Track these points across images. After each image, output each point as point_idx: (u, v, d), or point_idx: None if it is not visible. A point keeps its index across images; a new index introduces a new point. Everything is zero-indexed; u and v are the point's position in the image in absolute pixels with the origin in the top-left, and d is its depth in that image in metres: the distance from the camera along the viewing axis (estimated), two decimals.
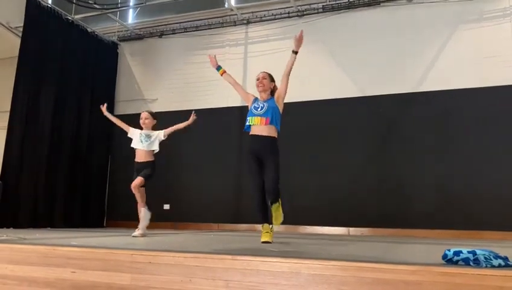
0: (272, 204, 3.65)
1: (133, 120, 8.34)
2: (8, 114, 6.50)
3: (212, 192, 7.35)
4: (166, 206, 7.62)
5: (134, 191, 4.63)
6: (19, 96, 6.55)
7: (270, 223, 3.69)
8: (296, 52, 3.96)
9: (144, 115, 5.01)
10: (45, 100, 6.92)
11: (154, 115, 5.10)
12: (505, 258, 1.90)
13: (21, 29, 6.94)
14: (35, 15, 6.80)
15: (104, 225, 7.92)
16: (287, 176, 6.96)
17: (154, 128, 5.04)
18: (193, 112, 5.08)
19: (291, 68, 4.00)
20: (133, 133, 4.97)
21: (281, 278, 1.95)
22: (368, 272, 1.83)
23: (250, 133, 3.86)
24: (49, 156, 6.85)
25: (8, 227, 5.82)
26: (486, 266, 1.82)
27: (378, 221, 6.37)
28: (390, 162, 6.53)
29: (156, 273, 2.22)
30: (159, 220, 7.57)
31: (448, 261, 2.01)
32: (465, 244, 3.78)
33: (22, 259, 2.56)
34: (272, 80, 4.06)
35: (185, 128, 5.06)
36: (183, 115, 7.87)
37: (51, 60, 7.05)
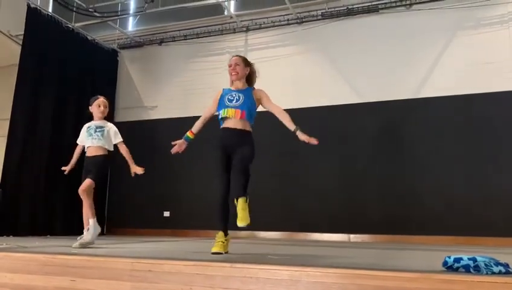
0: (237, 198, 3.14)
1: (133, 127, 8.38)
2: (8, 122, 6.50)
3: (212, 199, 7.31)
4: (166, 214, 7.61)
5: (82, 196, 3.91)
6: (19, 104, 6.56)
7: (227, 233, 3.33)
8: (294, 131, 3.29)
9: (103, 102, 4.20)
10: (45, 108, 6.93)
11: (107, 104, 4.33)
12: (506, 265, 1.89)
13: (21, 37, 6.96)
14: (35, 23, 6.83)
15: (104, 232, 7.90)
16: (286, 182, 7.00)
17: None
18: (134, 173, 4.10)
19: (281, 117, 3.38)
20: (81, 134, 4.22)
21: (280, 286, 1.95)
22: (368, 280, 1.83)
23: (222, 126, 3.40)
24: (49, 164, 6.83)
25: (7, 235, 5.81)
26: (486, 273, 1.82)
27: (378, 227, 6.36)
28: (391, 168, 6.52)
29: (155, 281, 2.22)
30: (158, 227, 7.59)
31: (449, 268, 2.01)
32: (465, 250, 3.77)
33: (21, 267, 2.55)
34: (247, 64, 3.51)
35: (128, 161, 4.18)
36: (183, 121, 7.93)
37: (51, 67, 7.07)
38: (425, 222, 6.12)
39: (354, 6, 7.17)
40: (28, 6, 6.75)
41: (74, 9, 7.68)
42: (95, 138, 4.05)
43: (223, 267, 2.11)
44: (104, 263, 2.38)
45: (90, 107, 4.24)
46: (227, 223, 3.35)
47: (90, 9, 7.74)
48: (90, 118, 4.35)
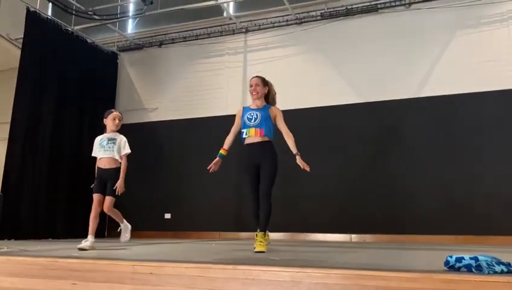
0: (258, 230, 3.58)
1: (134, 129, 8.37)
2: (8, 125, 6.51)
3: (213, 201, 7.34)
4: (167, 216, 7.61)
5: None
6: (20, 108, 6.57)
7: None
8: (295, 154, 3.80)
9: (118, 116, 4.33)
10: (45, 111, 6.93)
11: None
12: (508, 265, 1.88)
13: (21, 40, 6.97)
14: (34, 26, 6.84)
15: (106, 235, 7.90)
16: (288, 183, 7.00)
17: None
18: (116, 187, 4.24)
19: (287, 138, 3.86)
20: (95, 147, 4.38)
21: (282, 287, 1.94)
22: (370, 280, 1.82)
23: (245, 143, 3.78)
24: (50, 167, 6.85)
25: (9, 239, 5.80)
26: (488, 273, 1.81)
27: (380, 227, 6.36)
28: (392, 167, 6.52)
29: (157, 283, 2.21)
30: (160, 229, 7.58)
31: (450, 267, 2.00)
32: (467, 249, 3.77)
33: (22, 271, 2.55)
34: (265, 84, 3.89)
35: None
36: (183, 123, 7.96)
37: (51, 71, 7.08)
38: (427, 221, 6.12)
39: (353, 6, 7.17)
40: (27, 9, 6.76)
41: (73, 12, 7.70)
42: (107, 149, 4.20)
43: (224, 269, 2.10)
44: (106, 266, 2.38)
45: (104, 120, 4.35)
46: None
47: (89, 12, 7.75)
48: (101, 128, 4.55)
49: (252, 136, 3.71)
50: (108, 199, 4.17)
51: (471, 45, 6.47)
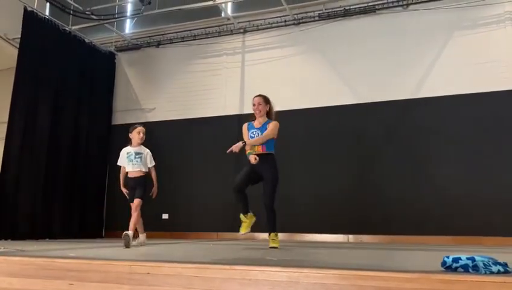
0: (270, 233, 4.13)
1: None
2: (6, 125, 6.50)
3: (210, 201, 7.33)
4: (165, 216, 7.60)
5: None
6: (17, 107, 6.56)
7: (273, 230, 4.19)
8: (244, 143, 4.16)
9: (142, 130, 4.84)
10: (43, 111, 6.92)
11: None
12: (504, 265, 1.89)
13: (18, 40, 6.95)
14: (32, 26, 6.82)
15: (103, 235, 7.89)
16: (286, 183, 6.98)
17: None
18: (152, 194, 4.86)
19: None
20: (122, 158, 4.82)
21: (279, 287, 1.94)
22: (367, 280, 1.82)
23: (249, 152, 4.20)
24: (47, 167, 6.83)
25: (6, 239, 5.79)
26: (485, 273, 1.81)
27: (377, 228, 6.37)
28: (390, 168, 6.53)
29: (154, 284, 2.21)
30: (157, 229, 7.56)
31: (447, 268, 2.00)
32: (464, 250, 3.77)
33: (19, 271, 2.54)
34: (267, 102, 4.28)
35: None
36: (181, 123, 7.95)
37: (49, 70, 7.06)
38: (424, 222, 6.13)
39: (351, 7, 7.18)
40: (25, 9, 6.75)
41: (71, 12, 7.68)
42: (135, 163, 4.74)
43: (222, 270, 2.10)
44: (103, 266, 2.37)
45: (130, 134, 4.85)
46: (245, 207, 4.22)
47: (87, 12, 7.74)
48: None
49: (256, 151, 4.15)
50: (137, 201, 4.65)
51: (468, 46, 6.49)
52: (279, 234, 4.32)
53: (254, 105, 4.29)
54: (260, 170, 4.11)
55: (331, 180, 6.76)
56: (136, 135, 4.79)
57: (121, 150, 4.85)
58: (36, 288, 2.45)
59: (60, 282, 2.41)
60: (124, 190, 4.84)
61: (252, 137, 4.21)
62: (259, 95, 4.33)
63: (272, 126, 4.21)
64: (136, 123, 5.15)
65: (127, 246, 4.19)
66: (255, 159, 4.07)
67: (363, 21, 7.17)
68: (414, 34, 6.81)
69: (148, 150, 4.87)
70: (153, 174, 4.86)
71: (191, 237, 7.15)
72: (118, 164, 4.86)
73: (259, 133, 4.18)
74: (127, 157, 4.76)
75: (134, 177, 4.75)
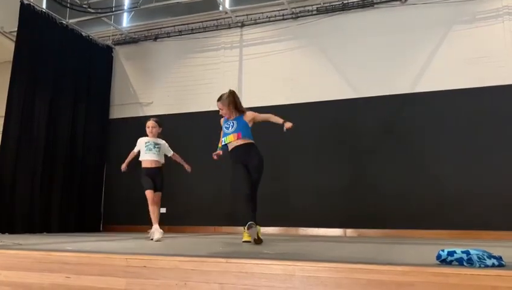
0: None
1: (128, 123, 8.36)
2: (2, 119, 6.47)
3: (208, 195, 7.34)
4: (163, 210, 7.57)
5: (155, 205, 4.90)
6: (14, 101, 6.52)
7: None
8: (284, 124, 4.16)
9: (151, 123, 5.08)
10: (40, 105, 6.89)
11: (160, 123, 5.19)
12: (499, 258, 1.90)
13: (15, 33, 6.91)
14: (29, 19, 6.78)
15: (101, 229, 7.90)
16: (283, 177, 7.01)
17: (159, 135, 5.19)
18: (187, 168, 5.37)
19: (269, 119, 4.34)
20: (139, 145, 5.09)
21: (275, 280, 1.95)
22: (362, 274, 1.84)
23: (229, 149, 4.24)
24: (45, 161, 6.82)
25: (3, 233, 5.80)
26: (480, 266, 1.83)
27: (375, 222, 6.38)
28: (388, 162, 6.53)
29: (151, 277, 2.22)
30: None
31: (442, 261, 2.02)
32: (460, 244, 3.79)
33: (16, 265, 2.55)
34: (229, 102, 4.29)
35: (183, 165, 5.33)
36: (178, 118, 7.94)
37: (46, 64, 7.03)
38: (421, 216, 6.15)
39: (349, 1, 7.16)
40: (21, 2, 6.70)
41: (68, 5, 7.63)
42: (154, 152, 4.97)
43: (218, 263, 2.11)
44: (99, 260, 2.38)
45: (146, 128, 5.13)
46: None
47: (84, 5, 7.70)
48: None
49: (232, 141, 4.17)
50: (158, 195, 4.95)
51: (466, 41, 6.48)
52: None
53: (220, 110, 4.40)
54: (245, 161, 4.13)
55: (329, 175, 6.76)
56: (147, 130, 5.07)
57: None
58: (33, 281, 2.46)
59: (56, 275, 2.42)
60: (124, 166, 5.12)
61: (227, 128, 4.30)
62: (219, 100, 4.39)
63: (255, 114, 4.35)
64: (154, 116, 5.56)
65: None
66: (217, 156, 4.41)
67: (361, 15, 7.15)
68: (412, 28, 6.79)
69: (165, 142, 5.16)
70: (178, 157, 5.26)
71: (189, 231, 7.16)
72: (134, 150, 5.12)
73: (235, 123, 4.24)
74: (146, 146, 4.98)
75: (153, 168, 4.93)
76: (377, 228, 6.35)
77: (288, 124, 4.07)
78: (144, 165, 4.98)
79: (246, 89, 7.53)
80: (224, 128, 4.35)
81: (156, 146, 5.01)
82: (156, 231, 4.76)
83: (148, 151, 4.95)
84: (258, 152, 4.19)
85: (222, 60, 7.87)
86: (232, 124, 4.27)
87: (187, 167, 5.28)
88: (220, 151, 4.47)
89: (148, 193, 4.86)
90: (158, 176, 4.95)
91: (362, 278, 1.81)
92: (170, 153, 5.18)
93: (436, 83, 6.47)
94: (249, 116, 4.32)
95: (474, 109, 6.24)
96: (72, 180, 7.35)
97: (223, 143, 4.32)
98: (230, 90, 4.47)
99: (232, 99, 4.32)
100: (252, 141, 4.23)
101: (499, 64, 6.19)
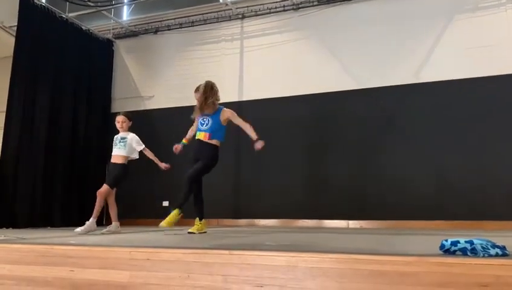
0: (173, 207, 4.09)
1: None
2: (4, 115, 6.48)
3: (211, 188, 7.29)
4: (165, 203, 7.61)
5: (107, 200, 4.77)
6: (15, 97, 6.52)
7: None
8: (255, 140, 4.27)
9: (120, 118, 4.88)
10: (41, 100, 6.88)
11: (130, 116, 4.97)
12: (503, 248, 1.89)
13: (15, 28, 6.89)
14: (28, 14, 6.76)
15: (103, 223, 7.91)
16: (285, 169, 7.00)
17: (130, 129, 4.95)
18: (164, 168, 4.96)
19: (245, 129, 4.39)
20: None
21: (278, 271, 1.95)
22: (365, 264, 1.83)
23: (196, 138, 4.42)
24: (47, 155, 6.83)
25: (7, 227, 5.82)
26: (483, 256, 1.82)
27: (378, 213, 6.37)
28: (390, 153, 6.52)
29: (154, 269, 2.22)
30: (158, 217, 7.55)
31: (446, 251, 2.01)
32: (463, 234, 3.79)
33: (19, 259, 2.55)
34: (205, 99, 4.33)
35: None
36: (180, 111, 7.91)
37: (46, 58, 7.01)
38: (424, 207, 6.14)
39: None
40: None
41: None
42: (119, 147, 4.75)
43: (221, 255, 2.11)
44: (103, 253, 2.38)
45: None
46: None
47: None
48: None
49: (201, 139, 4.34)
50: (103, 187, 4.68)
51: (469, 30, 6.42)
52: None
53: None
54: (198, 157, 4.31)
55: (331, 166, 6.75)
56: (118, 125, 4.88)
57: None
58: (37, 275, 2.47)
59: (60, 268, 2.43)
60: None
61: (201, 124, 4.35)
62: (200, 95, 4.41)
63: (233, 115, 4.40)
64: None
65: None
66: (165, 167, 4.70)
67: (362, 5, 7.09)
68: (414, 18, 6.73)
69: (134, 136, 4.81)
70: (148, 153, 4.80)
71: (192, 224, 7.16)
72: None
73: (210, 121, 4.31)
74: (114, 141, 4.82)
75: (113, 163, 4.76)
76: (379, 219, 6.34)
77: (259, 145, 4.13)
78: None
79: (246, 81, 7.51)
80: (199, 124, 4.38)
81: (122, 141, 4.76)
82: (87, 225, 4.69)
83: (114, 146, 4.79)
84: (208, 158, 4.30)
85: (223, 53, 7.83)
86: (207, 121, 4.33)
87: (162, 166, 4.88)
88: (181, 147, 4.63)
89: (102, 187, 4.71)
90: (114, 171, 4.73)
91: (365, 269, 1.81)
92: (140, 147, 4.79)
93: (438, 72, 6.43)
94: (225, 114, 4.35)
95: (477, 98, 6.20)
96: (74, 174, 7.36)
97: (196, 136, 4.40)
98: (206, 81, 4.42)
99: (206, 91, 4.36)
100: (215, 144, 4.32)
101: (502, 53, 6.14)
